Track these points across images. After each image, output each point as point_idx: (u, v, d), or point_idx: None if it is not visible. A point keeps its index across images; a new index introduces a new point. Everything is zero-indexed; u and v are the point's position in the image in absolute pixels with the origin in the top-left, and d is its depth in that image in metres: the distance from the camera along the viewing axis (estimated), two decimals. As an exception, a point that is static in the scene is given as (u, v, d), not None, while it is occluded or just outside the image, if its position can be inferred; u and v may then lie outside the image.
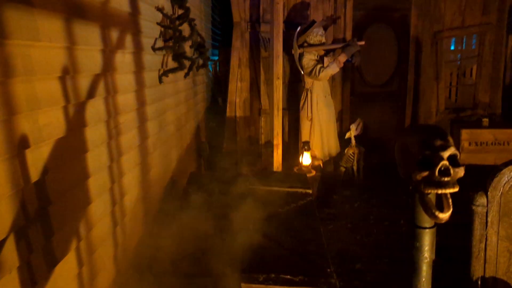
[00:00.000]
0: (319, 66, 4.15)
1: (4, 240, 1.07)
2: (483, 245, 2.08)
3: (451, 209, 1.11)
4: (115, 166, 1.90)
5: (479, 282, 2.11)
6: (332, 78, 4.72)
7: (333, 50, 4.38)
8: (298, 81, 4.58)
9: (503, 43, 4.93)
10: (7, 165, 1.09)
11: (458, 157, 1.12)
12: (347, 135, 4.49)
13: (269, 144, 4.39)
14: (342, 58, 4.16)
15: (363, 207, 4.09)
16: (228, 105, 4.83)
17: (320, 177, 4.19)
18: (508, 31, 4.92)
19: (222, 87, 5.38)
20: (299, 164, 4.19)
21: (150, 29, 2.43)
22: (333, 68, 4.14)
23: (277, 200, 2.55)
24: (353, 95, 5.07)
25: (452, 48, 5.14)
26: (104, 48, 1.75)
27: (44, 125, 1.28)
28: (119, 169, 1.95)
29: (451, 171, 1.08)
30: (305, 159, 4.12)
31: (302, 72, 4.29)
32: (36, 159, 1.24)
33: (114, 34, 1.88)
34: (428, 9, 4.85)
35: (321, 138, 4.39)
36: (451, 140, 1.13)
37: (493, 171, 2.06)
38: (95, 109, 1.67)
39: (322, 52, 4.33)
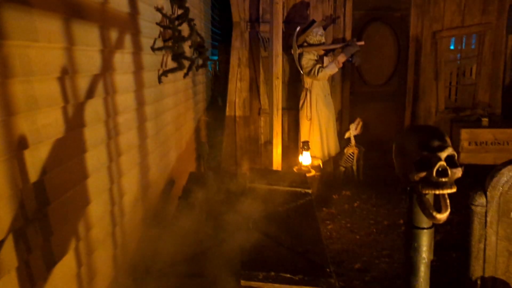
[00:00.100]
0: (318, 66, 4.16)
1: (3, 240, 1.07)
2: (482, 245, 2.08)
3: (449, 210, 1.11)
4: (114, 166, 1.90)
5: (478, 282, 2.11)
6: (332, 78, 4.72)
7: (333, 50, 4.38)
8: (298, 81, 4.58)
9: (503, 43, 4.93)
10: (6, 165, 1.10)
11: (456, 157, 1.12)
12: (347, 135, 4.50)
13: (269, 144, 4.40)
14: (341, 58, 4.16)
15: (363, 207, 4.09)
16: (227, 104, 4.83)
17: (319, 177, 4.19)
18: (507, 30, 4.91)
19: (221, 87, 5.38)
20: (299, 164, 4.20)
21: (150, 29, 2.43)
22: (331, 69, 4.15)
23: (276, 199, 2.55)
24: (353, 95, 5.07)
25: (452, 47, 5.14)
26: (103, 48, 1.75)
27: (43, 125, 1.28)
28: (118, 169, 1.96)
29: (449, 172, 1.09)
30: (305, 158, 4.13)
31: (302, 72, 4.29)
32: (35, 159, 1.24)
33: (113, 35, 1.88)
34: (427, 9, 4.85)
35: (320, 137, 4.39)
36: (448, 140, 1.13)
37: (492, 171, 2.06)
38: (94, 109, 1.67)
39: (322, 52, 4.33)
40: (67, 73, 1.43)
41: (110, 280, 1.85)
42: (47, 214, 1.30)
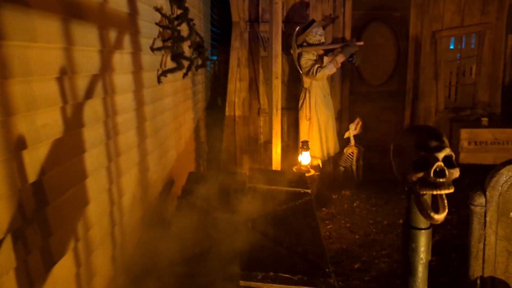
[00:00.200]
0: (316, 66, 4.16)
1: (2, 240, 1.07)
2: (481, 245, 2.08)
3: (447, 210, 1.11)
4: (113, 166, 1.90)
5: (478, 282, 2.11)
6: (331, 78, 4.73)
7: (333, 50, 4.38)
8: (297, 81, 4.58)
9: (503, 43, 4.93)
10: (5, 166, 1.10)
11: (453, 158, 1.12)
12: (346, 135, 4.50)
13: (268, 144, 4.40)
14: (340, 58, 4.17)
15: (362, 207, 4.09)
16: (227, 104, 4.83)
17: (319, 177, 4.20)
18: (507, 30, 4.92)
19: (221, 86, 5.38)
20: (298, 164, 4.20)
21: (149, 29, 2.43)
22: (330, 69, 4.15)
23: (276, 199, 2.56)
24: (352, 95, 5.07)
25: (452, 47, 5.14)
26: (102, 48, 1.75)
27: (42, 125, 1.28)
28: (117, 169, 1.96)
29: (446, 172, 1.09)
30: (304, 158, 4.13)
31: (301, 72, 4.29)
32: (34, 160, 1.24)
33: (112, 35, 1.88)
34: (427, 9, 4.85)
35: (320, 137, 4.40)
36: (446, 141, 1.13)
37: (491, 171, 2.06)
38: (93, 109, 1.67)
39: (321, 52, 4.33)
40: (66, 74, 1.43)
41: (109, 280, 1.85)
42: (46, 214, 1.30)
